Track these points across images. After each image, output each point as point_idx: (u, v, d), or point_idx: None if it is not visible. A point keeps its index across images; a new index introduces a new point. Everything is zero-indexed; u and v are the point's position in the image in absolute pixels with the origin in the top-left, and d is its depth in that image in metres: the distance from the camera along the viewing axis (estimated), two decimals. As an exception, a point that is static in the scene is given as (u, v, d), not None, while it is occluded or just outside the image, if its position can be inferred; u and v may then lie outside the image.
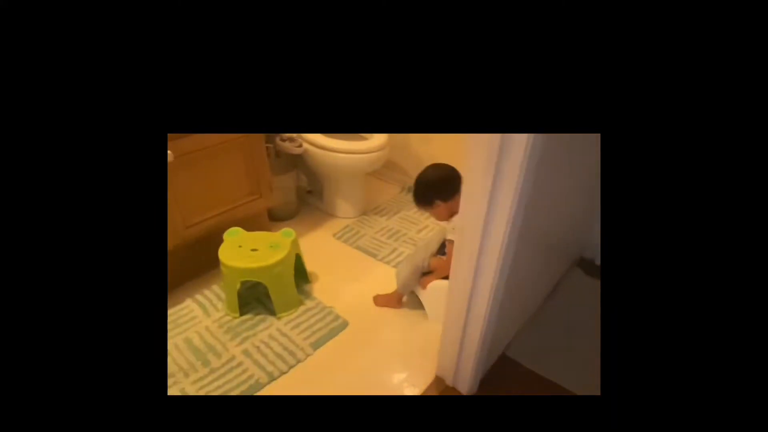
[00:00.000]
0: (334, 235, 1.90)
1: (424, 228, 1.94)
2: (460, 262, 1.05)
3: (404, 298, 1.55)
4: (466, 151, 0.90)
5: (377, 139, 1.81)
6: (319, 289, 1.61)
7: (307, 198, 2.11)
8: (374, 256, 1.78)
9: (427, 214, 2.01)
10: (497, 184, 0.88)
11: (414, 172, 2.18)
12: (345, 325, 1.46)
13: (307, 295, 1.57)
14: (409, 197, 2.14)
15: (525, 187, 0.86)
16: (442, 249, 1.56)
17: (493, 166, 0.85)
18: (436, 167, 1.43)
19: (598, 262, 1.73)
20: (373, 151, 1.79)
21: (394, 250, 1.80)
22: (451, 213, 1.38)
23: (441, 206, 1.38)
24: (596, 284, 1.63)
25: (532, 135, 0.78)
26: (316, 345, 1.38)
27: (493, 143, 0.82)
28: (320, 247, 1.83)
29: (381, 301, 1.57)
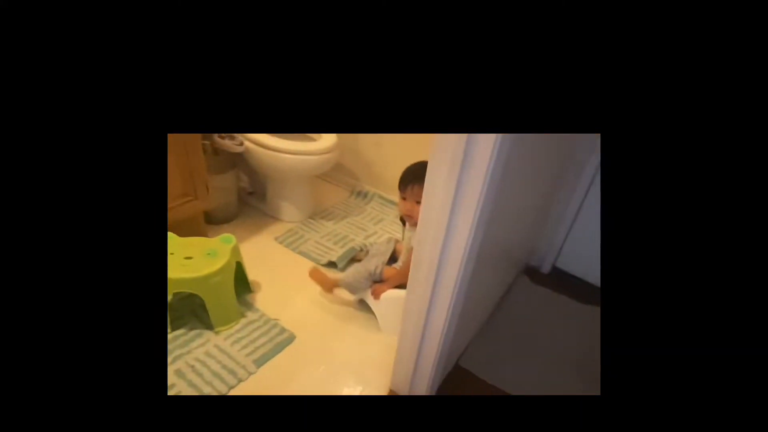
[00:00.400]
0: (276, 238, 1.79)
1: (372, 234, 1.88)
2: (418, 275, 1.00)
3: (337, 291, 1.49)
4: (429, 162, 0.85)
5: (326, 141, 1.73)
6: (262, 299, 1.49)
7: (248, 199, 1.97)
8: (318, 261, 1.68)
9: (376, 221, 1.96)
10: (459, 196, 0.84)
11: (364, 176, 2.15)
12: (292, 338, 1.36)
13: (249, 306, 1.45)
14: (358, 201, 2.09)
15: (487, 198, 0.83)
16: (393, 258, 1.51)
17: (455, 178, 0.81)
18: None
19: (544, 269, 1.77)
20: (321, 153, 1.70)
21: (337, 253, 1.71)
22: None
23: (417, 206, 1.33)
24: (543, 292, 1.66)
25: (497, 142, 0.74)
26: (260, 362, 1.26)
27: (457, 152, 0.78)
28: (262, 252, 1.71)
29: (316, 275, 1.50)
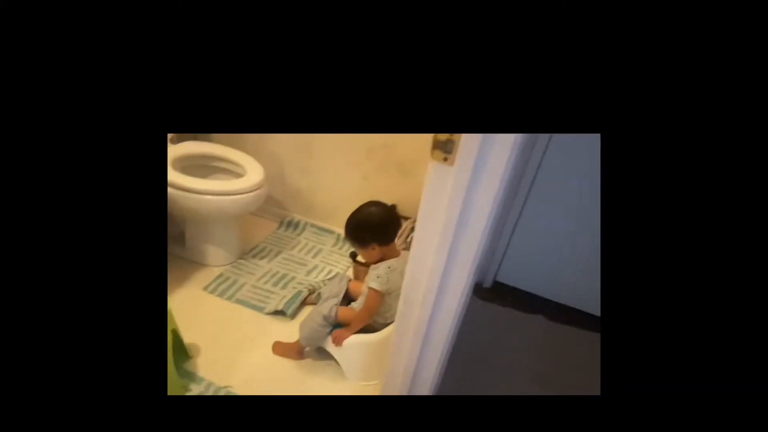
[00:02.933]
0: (205, 288, 1.59)
1: (313, 268, 1.76)
2: (408, 323, 0.93)
3: (307, 349, 1.37)
4: (422, 207, 0.80)
5: (254, 176, 1.57)
6: (205, 365, 1.30)
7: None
8: (260, 309, 1.53)
9: (314, 252, 1.85)
10: (457, 246, 0.80)
11: (292, 205, 2.01)
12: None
13: (191, 376, 1.26)
14: (289, 233, 1.95)
15: (481, 248, 0.80)
16: (348, 296, 1.43)
17: (452, 232, 0.77)
18: (378, 207, 1.27)
19: (486, 284, 1.81)
20: (251, 191, 1.54)
21: (284, 298, 1.56)
22: (382, 258, 1.25)
23: (376, 250, 1.25)
24: (490, 307, 1.71)
25: (501, 185, 0.72)
26: (220, 444, 1.10)
27: (456, 201, 0.74)
28: (192, 307, 1.50)
29: (279, 349, 1.38)
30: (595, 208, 1.56)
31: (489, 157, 0.68)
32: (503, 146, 0.67)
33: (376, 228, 1.24)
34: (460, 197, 0.72)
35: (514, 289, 1.81)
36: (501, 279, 1.83)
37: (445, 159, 0.70)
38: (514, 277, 1.81)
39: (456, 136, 0.68)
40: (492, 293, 1.79)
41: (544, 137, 1.51)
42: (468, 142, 0.67)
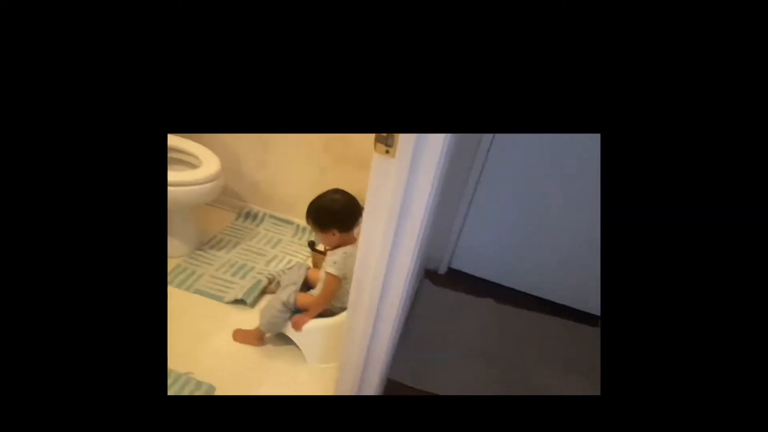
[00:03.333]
0: (164, 280, 1.60)
1: (273, 258, 1.80)
2: (360, 304, 1.00)
3: (267, 335, 1.43)
4: (368, 195, 0.87)
5: (210, 167, 1.59)
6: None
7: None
8: (220, 299, 1.56)
9: (273, 243, 1.89)
10: (400, 232, 0.87)
11: (250, 197, 2.03)
12: (211, 390, 1.24)
13: (151, 365, 1.28)
14: (248, 224, 1.97)
15: (423, 235, 0.88)
16: (307, 283, 1.48)
17: (395, 219, 0.84)
18: (342, 194, 1.33)
19: (441, 271, 1.91)
20: (207, 182, 1.57)
21: (244, 288, 1.60)
22: (340, 244, 1.31)
23: (335, 235, 1.31)
24: (444, 292, 1.80)
25: (437, 174, 0.79)
26: (182, 427, 1.13)
27: (400, 179, 0.81)
28: (152, 299, 1.51)
29: (240, 336, 1.42)
30: (539, 197, 1.68)
31: (424, 150, 0.76)
32: (436, 140, 0.74)
33: (337, 214, 1.30)
34: (402, 186, 0.79)
35: (466, 275, 1.92)
36: (454, 266, 1.93)
37: (387, 151, 0.77)
38: (466, 263, 1.92)
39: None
40: (446, 279, 1.89)
41: (486, 139, 1.62)
42: (406, 137, 0.74)
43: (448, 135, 0.76)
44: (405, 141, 0.74)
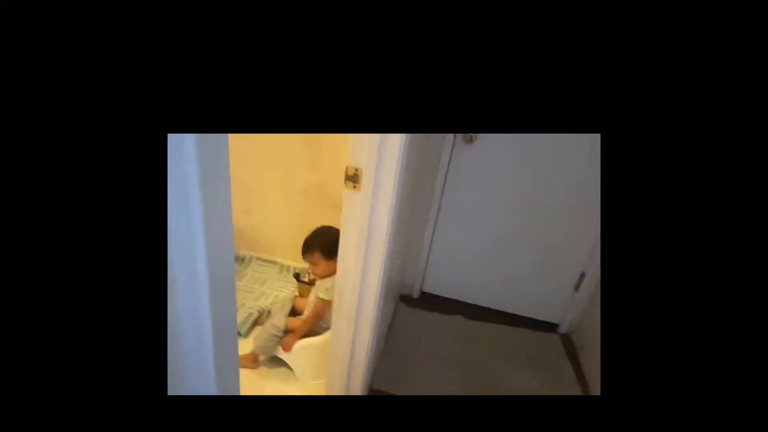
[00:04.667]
0: (163, 321, 1.76)
1: (261, 295, 1.99)
2: (341, 319, 1.22)
3: (261, 358, 1.60)
4: (342, 223, 1.10)
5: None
6: (170, 383, 1.48)
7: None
8: (216, 333, 1.73)
9: (261, 281, 2.08)
10: (369, 253, 1.10)
11: (238, 243, 2.24)
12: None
13: (159, 393, 1.43)
14: (237, 266, 2.16)
15: (388, 254, 1.12)
16: (294, 310, 1.68)
17: (364, 242, 1.08)
18: (329, 230, 1.57)
19: (414, 295, 2.13)
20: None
21: (237, 321, 1.78)
22: (328, 273, 1.53)
23: (323, 264, 1.52)
24: (418, 313, 2.01)
25: (395, 207, 1.04)
26: (191, 442, 1.28)
27: (363, 219, 1.05)
28: (154, 337, 1.67)
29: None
30: (491, 220, 1.94)
31: (382, 184, 1.01)
32: (389, 173, 0.99)
33: (323, 245, 1.53)
34: (367, 212, 1.04)
35: (438, 297, 2.14)
36: (426, 289, 2.15)
37: (354, 187, 1.02)
38: (436, 287, 2.14)
39: (359, 170, 1.00)
40: (419, 302, 2.10)
41: (443, 164, 1.88)
42: (368, 174, 0.99)
43: (400, 165, 1.00)
44: (367, 178, 0.99)
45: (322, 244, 1.53)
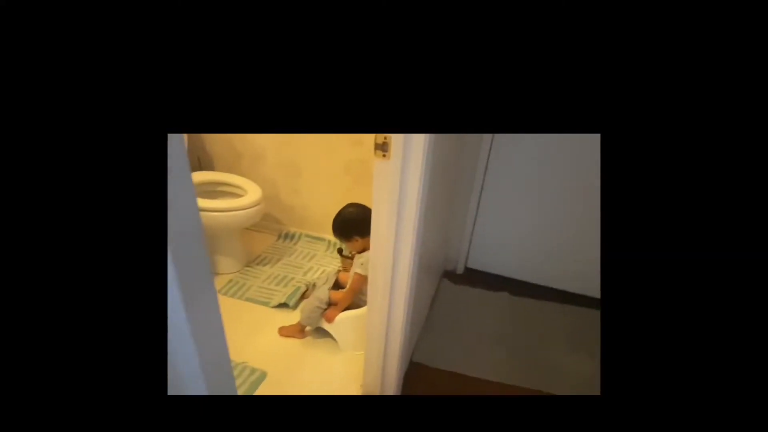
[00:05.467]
0: (220, 291, 1.89)
1: (309, 270, 2.07)
2: (376, 291, 1.24)
3: (307, 329, 1.67)
4: (374, 192, 1.11)
5: (253, 195, 1.90)
6: (224, 348, 1.59)
7: (181, 261, 2.02)
8: (266, 304, 1.83)
9: (309, 257, 2.16)
10: (400, 223, 1.11)
11: (287, 220, 2.33)
12: (263, 375, 1.49)
13: (214, 357, 1.54)
14: (287, 243, 2.26)
15: (420, 223, 1.12)
16: (338, 284, 1.73)
17: (395, 212, 1.08)
18: (356, 207, 1.62)
19: (459, 271, 2.11)
20: (250, 207, 1.86)
21: (286, 294, 1.87)
22: (364, 248, 1.57)
23: (358, 241, 1.57)
24: (462, 289, 2.00)
25: (425, 176, 1.03)
26: (242, 401, 1.38)
27: (394, 180, 1.05)
28: (210, 307, 1.80)
29: (285, 331, 1.67)
30: (540, 192, 1.88)
31: (411, 150, 1.00)
32: (418, 140, 0.99)
33: (355, 223, 1.56)
34: (397, 181, 1.04)
35: (483, 273, 2.11)
36: (471, 265, 2.13)
37: (384, 155, 1.03)
38: (481, 261, 2.11)
39: (389, 137, 1.00)
40: (463, 278, 2.09)
41: (485, 142, 1.84)
42: (396, 141, 0.99)
43: (429, 135, 1.00)
44: (396, 145, 1.00)
45: (355, 225, 1.57)
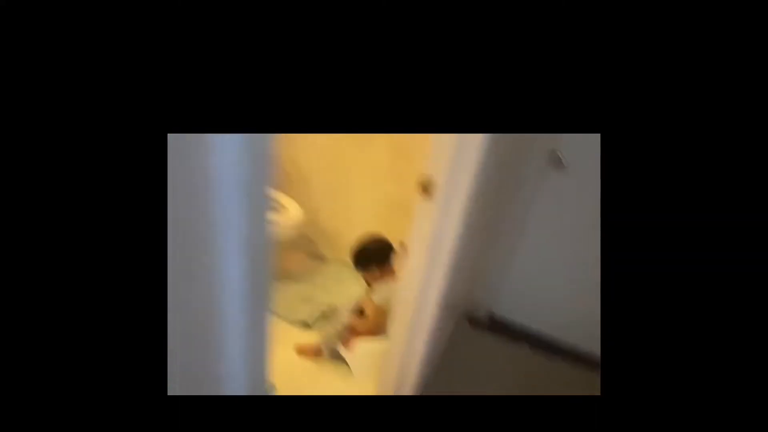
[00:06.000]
0: (245, 302, 1.94)
1: (336, 293, 2.10)
2: (398, 325, 1.26)
3: (324, 351, 1.69)
4: (413, 230, 1.15)
5: (292, 214, 1.98)
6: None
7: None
8: (287, 319, 1.87)
9: (338, 280, 2.20)
10: (433, 266, 1.14)
11: (321, 241, 2.39)
12: (271, 388, 1.51)
13: (232, 363, 1.58)
14: (317, 264, 2.31)
15: (454, 264, 1.15)
16: (361, 311, 1.76)
17: (430, 255, 1.11)
18: (375, 240, 1.69)
19: (481, 316, 2.10)
20: (288, 225, 1.94)
21: (309, 313, 1.91)
22: (382, 276, 1.60)
23: (376, 271, 1.61)
24: (482, 336, 1.98)
25: (463, 213, 1.06)
26: (252, 412, 1.40)
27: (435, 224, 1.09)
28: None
29: (301, 348, 1.70)
30: (579, 249, 1.85)
31: (454, 194, 1.04)
32: (462, 185, 1.03)
33: (373, 255, 1.62)
34: (436, 223, 1.08)
35: (505, 321, 2.08)
36: (494, 311, 2.11)
37: (426, 197, 1.07)
38: (506, 309, 2.09)
39: (433, 179, 1.04)
40: (484, 324, 2.07)
41: (531, 182, 1.82)
42: (440, 184, 1.03)
43: (473, 177, 1.02)
44: (439, 188, 1.04)
45: (375, 258, 1.65)
